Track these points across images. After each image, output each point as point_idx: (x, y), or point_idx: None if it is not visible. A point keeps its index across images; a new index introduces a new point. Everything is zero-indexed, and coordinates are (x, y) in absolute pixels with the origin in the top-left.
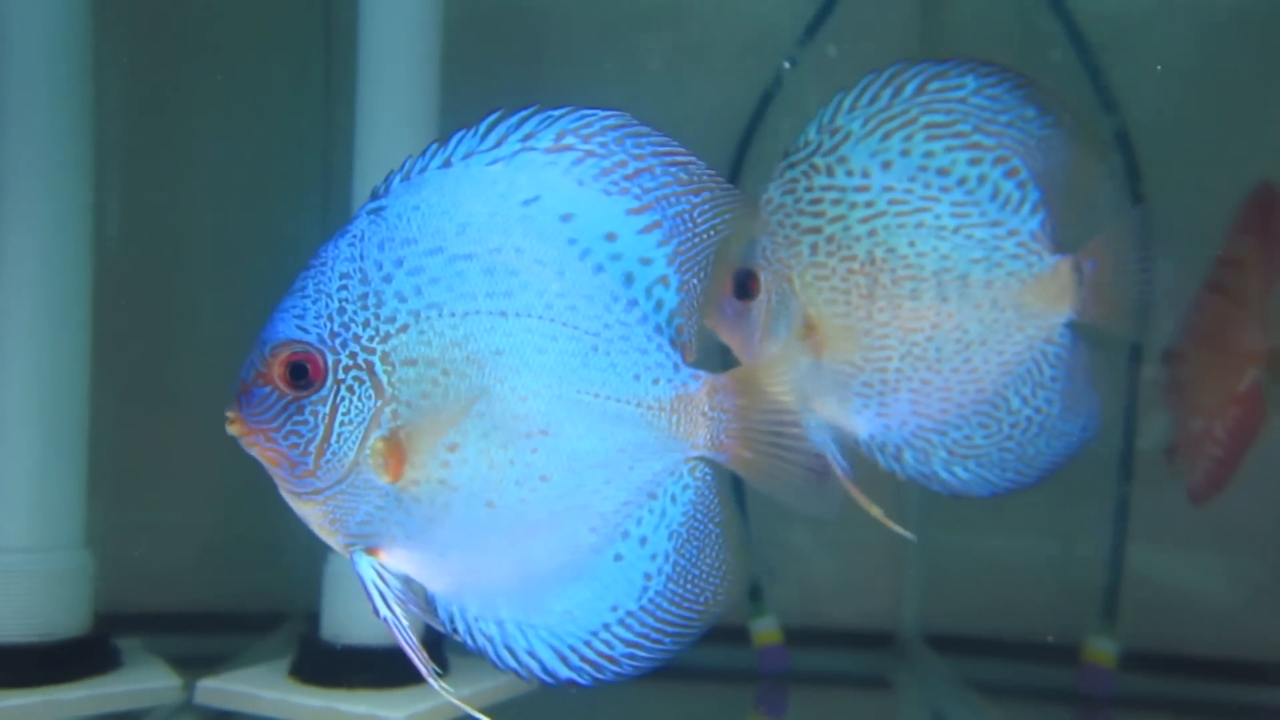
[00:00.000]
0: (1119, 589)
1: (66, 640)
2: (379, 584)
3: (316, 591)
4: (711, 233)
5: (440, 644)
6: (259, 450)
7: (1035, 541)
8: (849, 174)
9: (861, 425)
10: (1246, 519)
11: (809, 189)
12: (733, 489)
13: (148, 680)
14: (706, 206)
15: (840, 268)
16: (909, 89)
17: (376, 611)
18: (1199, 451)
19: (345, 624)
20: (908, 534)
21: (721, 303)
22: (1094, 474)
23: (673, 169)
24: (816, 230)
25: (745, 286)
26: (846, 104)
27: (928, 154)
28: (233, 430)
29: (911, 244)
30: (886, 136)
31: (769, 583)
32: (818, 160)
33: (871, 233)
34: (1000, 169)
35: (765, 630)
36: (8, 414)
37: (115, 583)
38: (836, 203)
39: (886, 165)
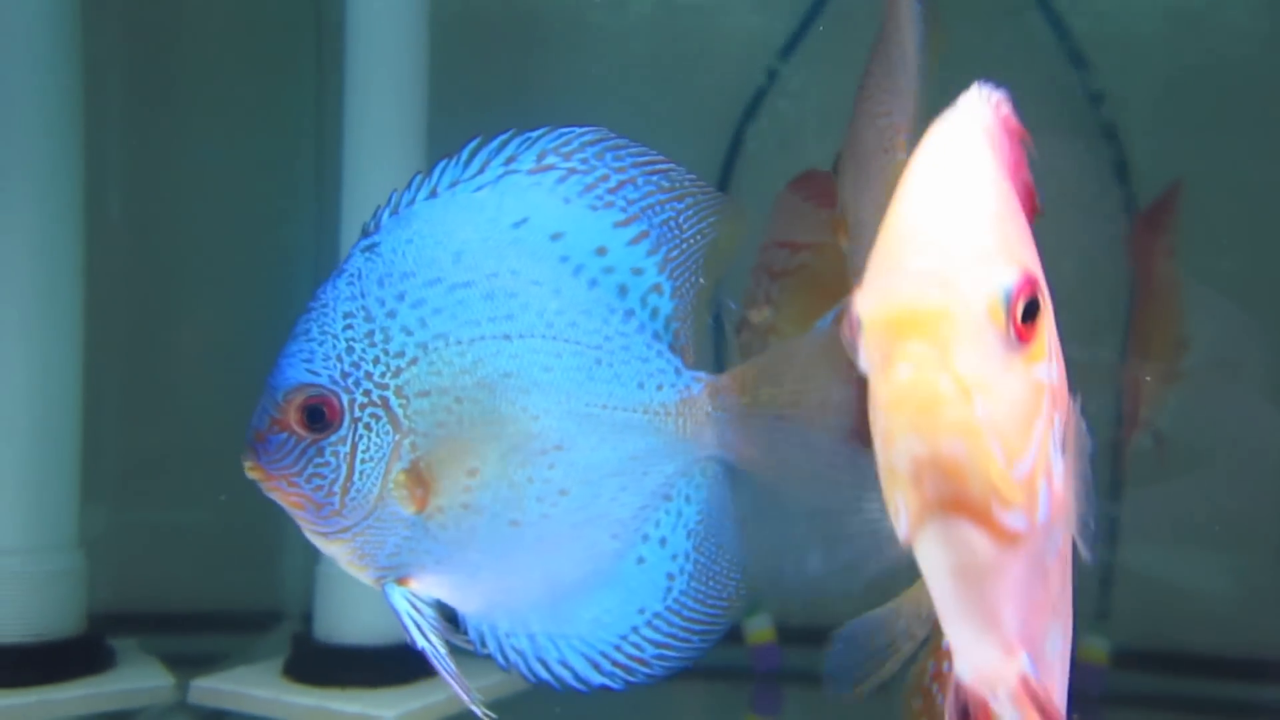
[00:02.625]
0: (1111, 586)
1: (60, 640)
2: (413, 614)
3: (312, 591)
4: (699, 236)
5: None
6: (280, 495)
7: None
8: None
9: None
10: (1241, 515)
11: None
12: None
13: (141, 680)
14: (691, 211)
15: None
16: None
17: (413, 642)
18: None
19: (338, 624)
20: None
21: None
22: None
23: (654, 178)
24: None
25: None
26: None
27: None
28: (253, 476)
29: None
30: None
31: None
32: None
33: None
34: None
35: (759, 629)
36: (0, 417)
37: (113, 583)
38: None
39: None
